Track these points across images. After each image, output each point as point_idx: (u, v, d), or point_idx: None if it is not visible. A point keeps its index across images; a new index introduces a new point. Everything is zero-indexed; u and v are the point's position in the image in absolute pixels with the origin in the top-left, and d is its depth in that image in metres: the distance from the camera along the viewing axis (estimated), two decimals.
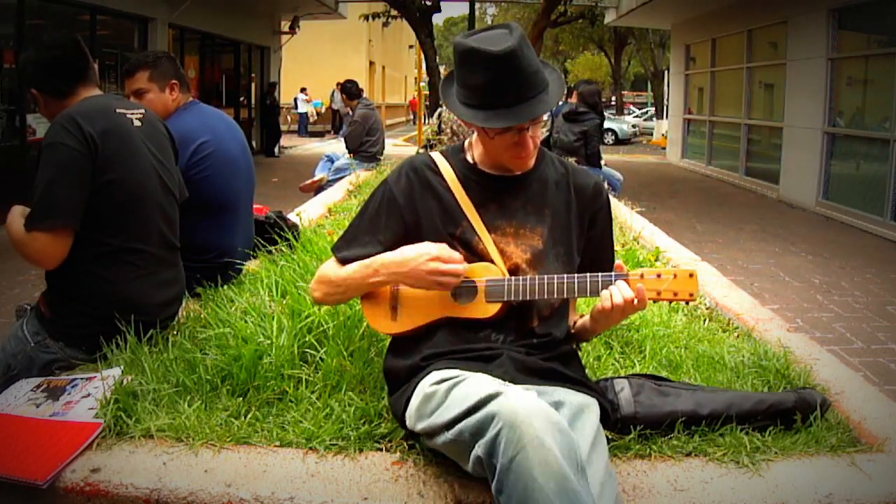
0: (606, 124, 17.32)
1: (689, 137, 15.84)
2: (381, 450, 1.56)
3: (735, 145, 12.86)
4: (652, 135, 23.65)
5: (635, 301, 1.44)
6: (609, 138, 21.16)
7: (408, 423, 1.46)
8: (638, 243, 3.76)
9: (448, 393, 1.34)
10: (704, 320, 2.51)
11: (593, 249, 1.65)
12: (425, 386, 1.40)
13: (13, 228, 1.89)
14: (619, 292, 1.45)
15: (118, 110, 2.02)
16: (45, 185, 1.83)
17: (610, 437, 1.54)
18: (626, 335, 2.18)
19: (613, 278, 1.48)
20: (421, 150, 1.75)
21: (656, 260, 3.38)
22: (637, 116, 27.93)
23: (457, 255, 1.50)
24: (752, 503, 1.41)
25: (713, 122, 14.22)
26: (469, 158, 1.62)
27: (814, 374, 1.96)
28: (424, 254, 1.48)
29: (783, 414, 1.65)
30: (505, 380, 1.42)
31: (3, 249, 5.40)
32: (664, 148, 17.89)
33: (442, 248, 1.49)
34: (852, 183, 9.01)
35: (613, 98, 33.82)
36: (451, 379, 1.37)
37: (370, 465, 1.50)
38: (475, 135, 1.60)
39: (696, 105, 15.62)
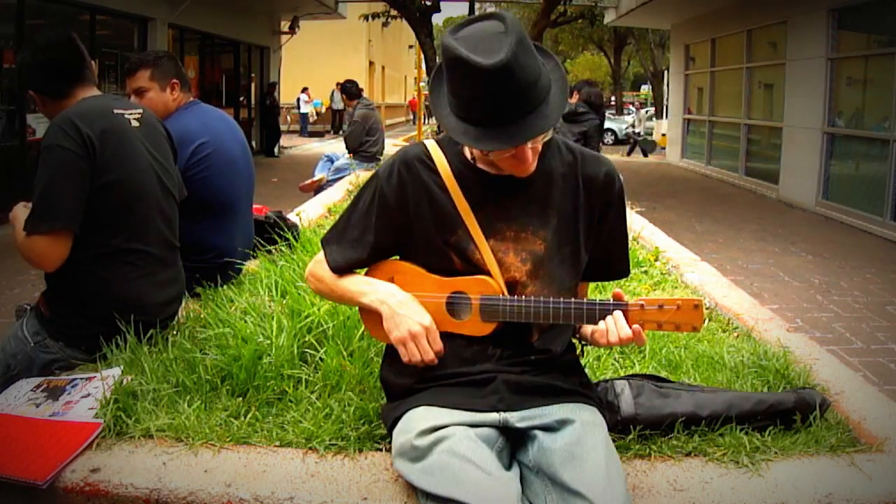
0: (606, 124, 17.33)
1: (688, 137, 15.84)
2: (380, 450, 1.56)
3: (735, 145, 12.86)
4: (652, 135, 23.64)
5: (633, 338, 1.37)
6: (609, 138, 21.16)
7: (391, 447, 1.43)
8: (638, 243, 3.76)
9: (430, 451, 1.30)
10: (704, 320, 2.50)
11: (605, 244, 1.53)
12: (412, 429, 1.35)
13: (16, 228, 1.89)
14: (615, 332, 1.37)
15: (116, 111, 2.02)
16: (44, 188, 1.82)
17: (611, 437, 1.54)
18: None
19: (612, 307, 1.39)
20: (406, 146, 1.73)
21: (656, 260, 3.38)
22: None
23: (440, 345, 1.43)
24: (752, 503, 1.41)
25: (713, 122, 14.22)
26: (466, 152, 1.47)
27: (813, 374, 1.96)
28: (422, 318, 1.42)
29: (783, 414, 1.65)
30: (500, 408, 1.39)
31: (2, 249, 5.40)
32: (664, 148, 17.89)
33: (434, 329, 1.44)
34: (852, 183, 9.01)
35: (613, 98, 33.82)
36: (438, 430, 1.32)
37: (370, 465, 1.50)
38: None
39: (695, 105, 15.62)
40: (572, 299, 1.42)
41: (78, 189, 1.85)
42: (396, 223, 1.48)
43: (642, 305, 1.38)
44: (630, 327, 1.37)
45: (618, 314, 1.38)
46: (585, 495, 1.23)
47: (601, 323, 1.40)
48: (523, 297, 1.44)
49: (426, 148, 1.50)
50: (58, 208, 1.82)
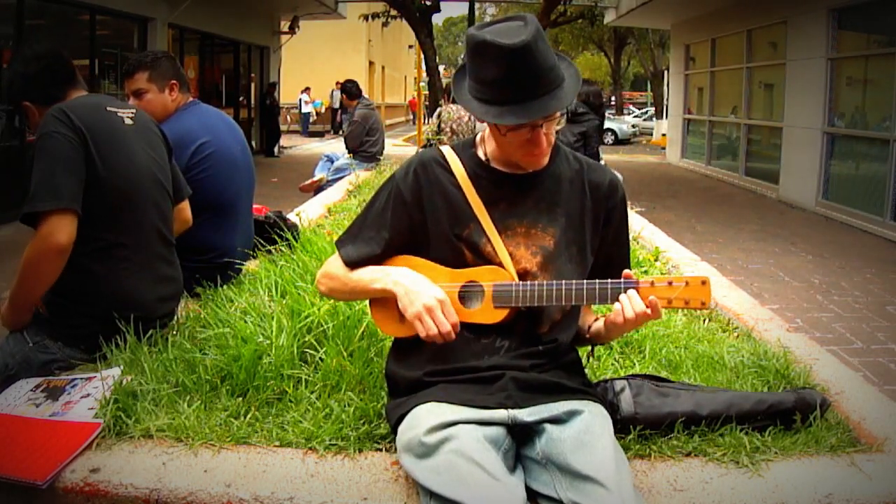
0: (606, 124, 17.32)
1: (688, 137, 15.84)
2: (380, 450, 1.56)
3: (735, 145, 12.86)
4: (651, 135, 23.67)
5: (649, 312, 1.39)
6: (609, 138, 21.17)
7: (396, 443, 1.44)
8: (638, 243, 3.76)
9: (438, 449, 1.30)
10: (704, 320, 2.51)
11: (608, 248, 1.59)
12: (421, 425, 1.36)
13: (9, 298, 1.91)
14: (630, 307, 1.39)
15: (108, 108, 2.04)
16: (43, 173, 1.82)
17: None
18: (625, 335, 2.18)
19: (623, 286, 1.42)
20: (421, 150, 1.74)
21: (656, 260, 3.38)
22: (637, 116, 27.91)
23: (456, 318, 1.45)
24: (752, 503, 1.41)
25: (713, 122, 14.22)
26: (480, 154, 1.55)
27: (813, 374, 1.96)
28: (436, 292, 1.45)
29: (783, 414, 1.65)
30: (507, 405, 1.41)
31: (2, 249, 5.40)
32: (664, 148, 17.89)
33: (448, 302, 1.45)
34: (852, 183, 9.01)
35: (613, 98, 33.81)
36: (446, 428, 1.33)
37: (370, 466, 1.50)
38: (487, 129, 1.55)
39: (695, 105, 15.62)
40: (585, 280, 1.46)
41: (76, 174, 1.86)
42: (412, 220, 1.54)
43: (652, 283, 1.42)
44: (644, 302, 1.40)
45: (632, 292, 1.42)
46: (597, 479, 1.24)
47: (616, 305, 1.43)
48: (536, 282, 1.47)
49: (442, 151, 1.58)
50: (60, 190, 1.82)
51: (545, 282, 1.46)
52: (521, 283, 1.47)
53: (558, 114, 1.43)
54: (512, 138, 1.44)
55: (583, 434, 1.34)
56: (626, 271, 1.44)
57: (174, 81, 2.61)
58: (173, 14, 10.98)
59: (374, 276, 1.52)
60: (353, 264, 1.56)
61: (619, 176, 6.61)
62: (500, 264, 1.49)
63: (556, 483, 1.29)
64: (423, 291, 1.45)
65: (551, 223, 1.52)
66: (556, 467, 1.31)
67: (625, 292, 1.42)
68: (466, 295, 1.50)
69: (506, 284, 1.47)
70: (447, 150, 1.58)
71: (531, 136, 1.42)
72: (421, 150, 1.66)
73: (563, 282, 1.45)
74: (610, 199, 1.57)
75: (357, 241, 1.58)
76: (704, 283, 1.40)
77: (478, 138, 1.59)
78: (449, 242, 1.51)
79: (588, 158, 1.63)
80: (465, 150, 1.58)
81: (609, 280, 1.44)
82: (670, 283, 1.41)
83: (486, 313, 1.48)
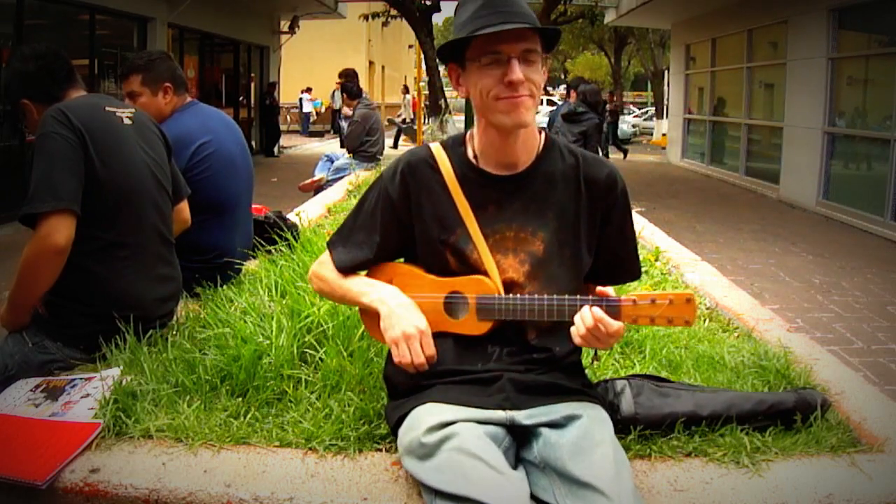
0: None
1: (689, 137, 15.84)
2: (380, 450, 1.56)
3: (735, 145, 12.86)
4: (652, 135, 23.68)
5: (601, 328, 1.34)
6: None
7: (397, 445, 1.43)
8: (638, 243, 3.75)
9: (439, 448, 1.30)
10: (704, 320, 2.50)
11: (611, 246, 1.54)
12: (420, 426, 1.35)
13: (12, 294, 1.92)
14: (581, 323, 1.36)
15: (107, 108, 2.04)
16: (43, 173, 1.82)
17: None
18: (626, 335, 2.18)
19: (605, 304, 1.37)
20: (411, 149, 1.70)
21: (656, 260, 3.38)
22: (637, 116, 27.89)
23: (433, 350, 1.43)
24: (753, 503, 1.41)
25: (713, 122, 14.22)
26: (469, 153, 1.51)
27: (814, 374, 1.95)
28: (418, 322, 1.43)
29: (783, 414, 1.65)
30: (506, 407, 1.40)
31: (2, 249, 5.40)
32: (664, 148, 17.88)
33: (428, 334, 1.43)
34: (852, 183, 9.01)
35: (613, 98, 33.77)
36: (446, 427, 1.32)
37: (370, 466, 1.50)
38: (476, 126, 1.51)
39: (696, 105, 15.61)
40: (566, 296, 1.41)
41: (75, 174, 1.86)
42: (401, 222, 1.51)
43: (634, 301, 1.38)
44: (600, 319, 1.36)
45: (584, 310, 1.37)
46: (596, 486, 1.23)
47: (572, 328, 1.39)
48: (518, 295, 1.45)
49: (430, 150, 1.54)
50: (58, 190, 1.82)
51: (528, 296, 1.43)
52: (504, 296, 1.44)
53: (538, 57, 1.39)
54: (489, 77, 1.37)
55: (581, 440, 1.33)
56: (599, 289, 1.41)
57: (168, 84, 2.60)
58: (173, 14, 10.98)
59: (363, 290, 1.51)
60: (344, 270, 1.55)
61: None
62: (486, 273, 1.46)
63: (554, 489, 1.28)
64: (405, 317, 1.43)
65: (541, 227, 1.47)
66: (555, 473, 1.30)
67: (604, 309, 1.37)
68: (451, 305, 1.48)
69: (490, 297, 1.45)
70: (436, 148, 1.53)
71: (508, 68, 1.36)
72: (410, 149, 1.61)
73: (546, 297, 1.41)
74: (609, 195, 1.50)
75: (349, 245, 1.55)
76: (689, 300, 1.36)
77: (467, 135, 1.54)
78: (435, 248, 1.48)
79: (586, 152, 1.56)
80: (455, 147, 1.53)
81: (591, 297, 1.40)
82: (653, 301, 1.36)
83: (470, 325, 1.46)
